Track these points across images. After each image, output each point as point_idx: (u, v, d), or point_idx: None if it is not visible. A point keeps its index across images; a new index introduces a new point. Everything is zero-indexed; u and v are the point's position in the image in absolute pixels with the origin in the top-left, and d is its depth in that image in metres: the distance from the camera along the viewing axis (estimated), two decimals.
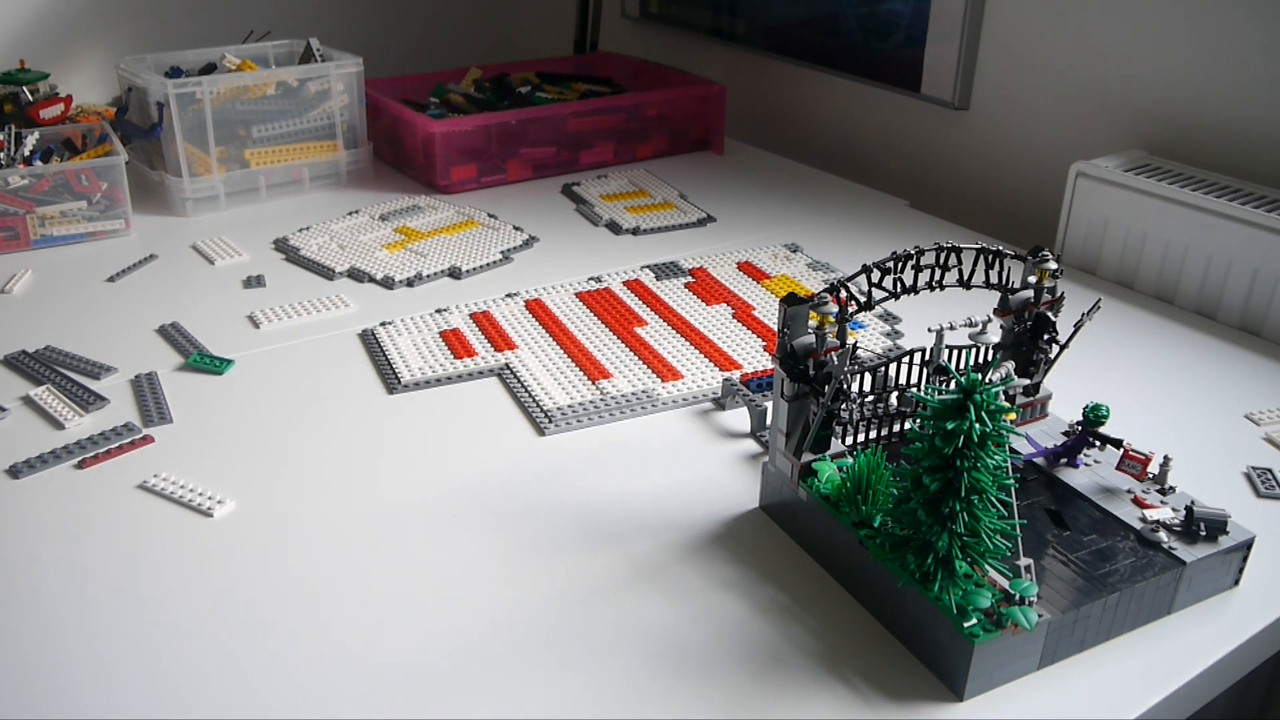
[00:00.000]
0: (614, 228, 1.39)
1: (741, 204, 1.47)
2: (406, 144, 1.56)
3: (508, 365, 1.02)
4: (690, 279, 1.22)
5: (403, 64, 2.06)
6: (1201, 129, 1.23)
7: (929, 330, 0.77)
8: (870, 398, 0.79)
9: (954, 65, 1.46)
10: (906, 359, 0.79)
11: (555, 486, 0.85)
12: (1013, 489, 0.64)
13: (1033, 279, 0.81)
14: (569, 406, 0.95)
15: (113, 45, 1.84)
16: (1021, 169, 1.45)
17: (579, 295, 1.17)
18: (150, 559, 0.76)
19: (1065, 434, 0.82)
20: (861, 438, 0.80)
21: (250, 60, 1.52)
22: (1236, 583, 0.73)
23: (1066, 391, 0.91)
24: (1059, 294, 0.82)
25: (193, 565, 0.75)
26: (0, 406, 0.94)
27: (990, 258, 0.77)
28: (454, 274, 1.24)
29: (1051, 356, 0.83)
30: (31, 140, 1.36)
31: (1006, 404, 0.77)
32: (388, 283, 1.21)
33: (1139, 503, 0.75)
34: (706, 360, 1.03)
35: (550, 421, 0.93)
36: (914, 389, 0.80)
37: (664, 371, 1.01)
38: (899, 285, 0.74)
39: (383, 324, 1.11)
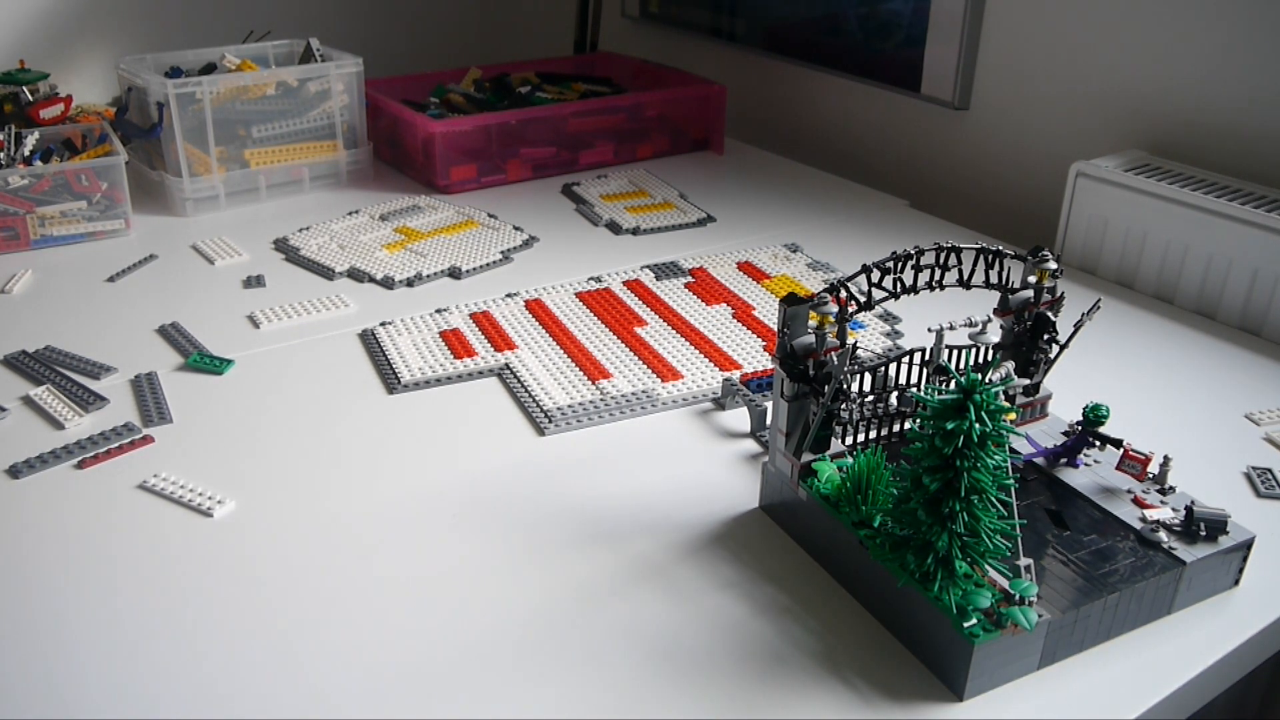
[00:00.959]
0: (614, 228, 1.39)
1: (741, 204, 1.47)
2: (406, 144, 1.56)
3: (508, 365, 1.02)
4: (690, 279, 1.22)
5: (403, 64, 2.05)
6: (1201, 129, 1.23)
7: (929, 330, 0.77)
8: (870, 398, 0.79)
9: (954, 65, 1.46)
10: (906, 359, 0.79)
11: (555, 487, 0.85)
12: (1013, 489, 0.64)
13: (1032, 279, 0.81)
14: (569, 406, 0.95)
15: (113, 45, 1.84)
16: (1021, 169, 1.45)
17: (579, 295, 1.17)
18: (150, 559, 0.76)
19: (1065, 434, 0.82)
20: (861, 438, 0.80)
21: (250, 60, 1.52)
22: (1236, 583, 0.73)
23: (1066, 391, 0.91)
24: (1059, 294, 0.82)
25: (193, 565, 0.75)
26: (0, 406, 0.94)
27: (990, 257, 0.77)
28: (454, 274, 1.24)
29: (1051, 356, 0.83)
30: (31, 140, 1.36)
31: (1006, 404, 0.77)
32: (388, 283, 1.21)
33: (1139, 503, 0.75)
34: (706, 360, 1.03)
35: (550, 421, 0.93)
36: (914, 389, 0.80)
37: (664, 371, 1.01)
38: (899, 285, 0.74)
39: (383, 324, 1.11)
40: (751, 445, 0.90)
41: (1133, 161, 1.24)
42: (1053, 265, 0.80)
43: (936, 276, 0.76)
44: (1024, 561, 0.66)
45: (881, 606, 0.70)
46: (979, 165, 1.51)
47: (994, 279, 0.78)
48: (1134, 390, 0.99)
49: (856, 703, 0.64)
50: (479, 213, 1.43)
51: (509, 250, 1.30)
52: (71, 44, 1.80)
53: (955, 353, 0.80)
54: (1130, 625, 0.69)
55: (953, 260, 0.76)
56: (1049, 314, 0.82)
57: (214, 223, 1.40)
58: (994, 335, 0.79)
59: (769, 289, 1.20)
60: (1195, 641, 0.69)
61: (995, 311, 0.82)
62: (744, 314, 1.13)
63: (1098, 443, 0.80)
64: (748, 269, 1.25)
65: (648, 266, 1.25)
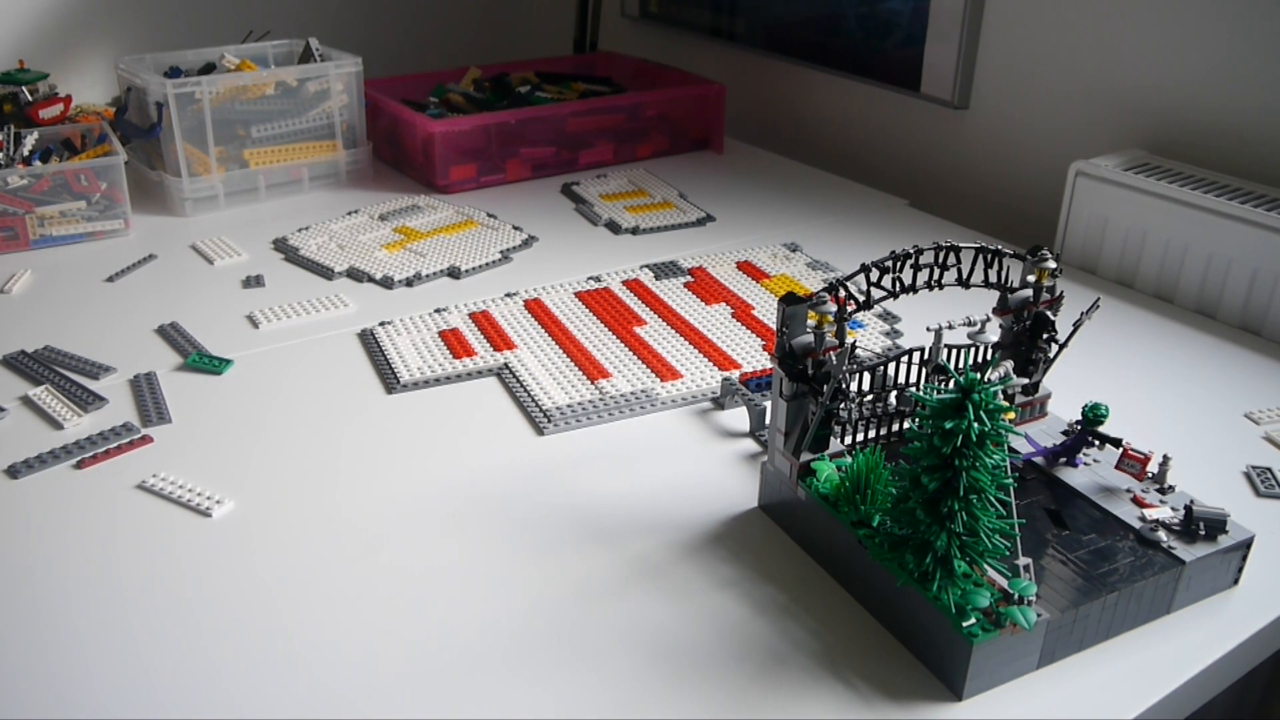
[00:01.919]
0: (613, 227, 1.39)
1: (741, 203, 1.47)
2: (406, 144, 1.56)
3: (507, 365, 1.02)
4: (689, 278, 1.22)
5: (402, 64, 2.05)
6: (1201, 129, 1.23)
7: (928, 330, 0.77)
8: (869, 397, 0.79)
9: (954, 65, 1.46)
10: (905, 358, 0.79)
11: (554, 486, 0.84)
12: (1012, 488, 0.64)
13: (1032, 278, 0.81)
14: (568, 406, 0.95)
15: (112, 45, 1.84)
16: (1021, 168, 1.45)
17: (578, 295, 1.17)
18: (149, 559, 0.76)
19: (1064, 433, 0.82)
20: (860, 437, 0.80)
21: (249, 60, 1.51)
22: (1236, 582, 0.73)
23: (1066, 391, 0.91)
24: (1058, 293, 0.82)
25: (192, 565, 0.75)
26: None
27: (989, 257, 0.77)
28: (453, 274, 1.24)
29: (1051, 356, 0.83)
30: (31, 140, 1.36)
31: (1005, 403, 0.78)
32: (387, 282, 1.21)
33: (1138, 502, 0.75)
34: (706, 360, 1.03)
35: (549, 421, 0.93)
36: (913, 388, 0.80)
37: (663, 371, 1.01)
38: (898, 284, 0.74)
39: (382, 324, 1.10)
40: (750, 445, 0.90)
41: (1132, 161, 1.24)
42: (1052, 264, 0.80)
43: (935, 276, 0.76)
44: (1023, 561, 0.66)
45: (880, 606, 0.70)
46: (978, 164, 1.50)
47: (993, 278, 0.78)
48: (1133, 390, 0.99)
49: (855, 702, 0.64)
50: (478, 212, 1.43)
51: (508, 250, 1.30)
52: (71, 44, 1.80)
53: (954, 352, 0.80)
54: (1129, 625, 0.69)
55: (952, 259, 0.76)
56: (1048, 313, 0.81)
57: (213, 223, 1.40)
58: (993, 334, 0.79)
59: (768, 288, 1.20)
60: (1194, 641, 0.69)
61: (994, 311, 0.82)
62: (743, 313, 1.13)
63: (1097, 442, 0.80)
64: (747, 268, 1.25)
65: (647, 266, 1.25)
